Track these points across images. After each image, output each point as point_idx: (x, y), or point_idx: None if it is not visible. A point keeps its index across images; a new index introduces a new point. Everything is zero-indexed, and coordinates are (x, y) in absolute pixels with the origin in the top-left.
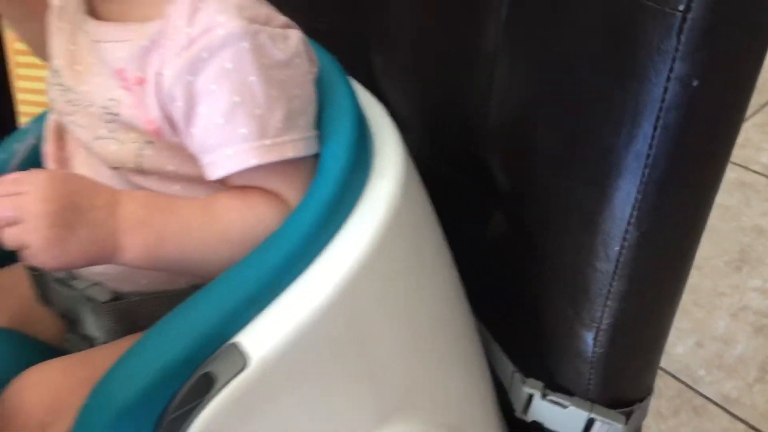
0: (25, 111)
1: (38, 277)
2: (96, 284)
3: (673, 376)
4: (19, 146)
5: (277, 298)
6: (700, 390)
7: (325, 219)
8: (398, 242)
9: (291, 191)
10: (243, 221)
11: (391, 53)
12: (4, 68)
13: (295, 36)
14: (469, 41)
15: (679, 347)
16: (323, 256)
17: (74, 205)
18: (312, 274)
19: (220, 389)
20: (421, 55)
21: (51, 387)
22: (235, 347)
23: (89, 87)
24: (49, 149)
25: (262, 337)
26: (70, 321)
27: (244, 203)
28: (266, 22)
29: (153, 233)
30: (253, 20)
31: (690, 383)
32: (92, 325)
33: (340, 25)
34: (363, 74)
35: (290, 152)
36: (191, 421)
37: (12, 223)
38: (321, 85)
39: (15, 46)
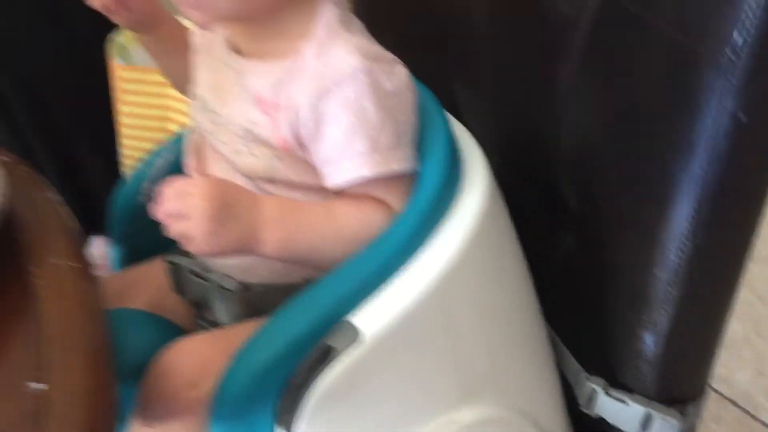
0: (126, 134)
1: (175, 269)
2: (226, 276)
3: (734, 404)
4: (159, 161)
5: (385, 287)
6: (761, 418)
7: (424, 223)
8: (484, 245)
9: (395, 199)
10: (356, 223)
11: (474, 87)
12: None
13: (401, 71)
14: (545, 78)
15: (740, 375)
16: (422, 255)
17: (227, 204)
18: (413, 269)
19: (336, 359)
20: (501, 90)
21: (199, 353)
22: (351, 325)
23: (231, 110)
24: (190, 162)
25: (372, 318)
26: (201, 308)
27: (357, 208)
28: (379, 60)
29: (285, 230)
30: (369, 58)
31: (750, 410)
32: (221, 311)
33: (428, 62)
34: (448, 104)
35: (396, 166)
36: (312, 386)
37: (179, 217)
38: (419, 112)
39: (121, 75)
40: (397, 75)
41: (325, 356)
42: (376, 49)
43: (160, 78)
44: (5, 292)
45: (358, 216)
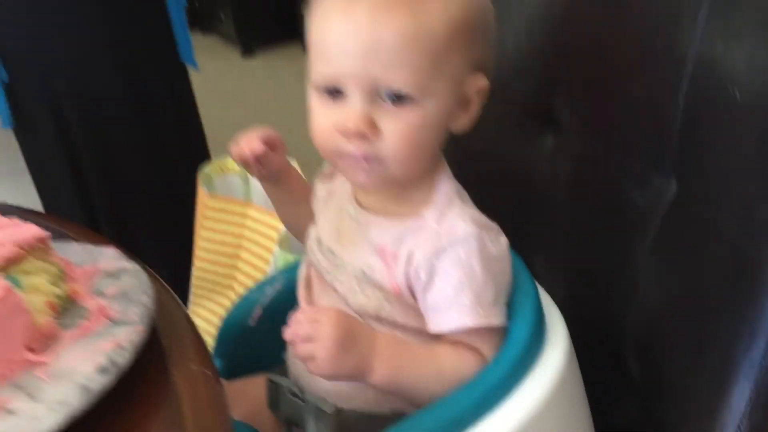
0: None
1: (275, 387)
2: (322, 399)
3: None
4: (269, 288)
5: (473, 426)
6: None
7: (512, 373)
8: (563, 398)
9: (488, 349)
10: (454, 366)
11: (550, 256)
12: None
13: (503, 240)
14: (618, 257)
15: None
16: (509, 399)
17: (350, 334)
18: (500, 411)
19: None
20: (576, 262)
21: None
22: None
23: (351, 255)
24: (301, 293)
25: None
26: (291, 426)
27: (456, 353)
28: (487, 228)
29: (394, 364)
30: (479, 226)
31: None
32: (312, 430)
33: (512, 230)
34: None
35: (494, 320)
36: None
37: (308, 339)
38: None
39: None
40: (501, 243)
41: None
42: (485, 219)
43: (240, 209)
44: (150, 387)
45: (456, 360)
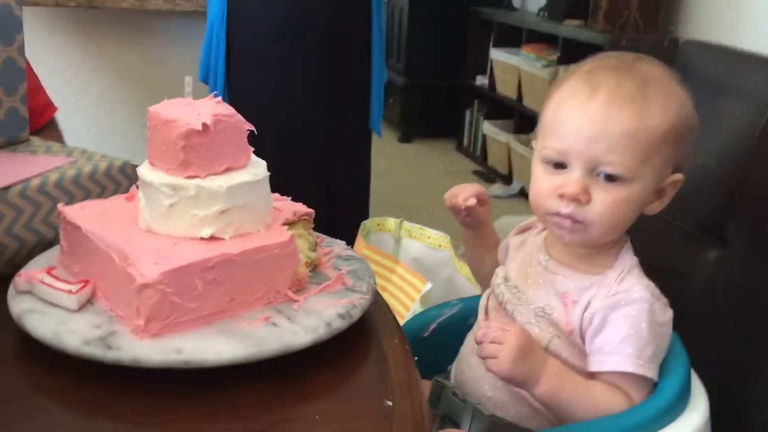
0: None
1: (440, 387)
2: (479, 404)
3: None
4: (447, 309)
5: None
6: None
7: (656, 418)
8: None
9: (638, 397)
10: (607, 401)
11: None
12: None
13: (670, 312)
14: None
15: None
16: None
17: (530, 348)
18: None
19: None
20: (715, 380)
21: None
22: None
23: (534, 294)
24: (481, 316)
25: None
26: (445, 422)
27: (610, 391)
28: (659, 299)
29: (558, 383)
30: (654, 295)
31: None
32: (466, 427)
33: None
34: None
35: (648, 373)
36: None
37: (495, 341)
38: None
39: None
40: (667, 313)
41: None
42: (658, 291)
43: (390, 264)
44: (365, 347)
45: (609, 396)
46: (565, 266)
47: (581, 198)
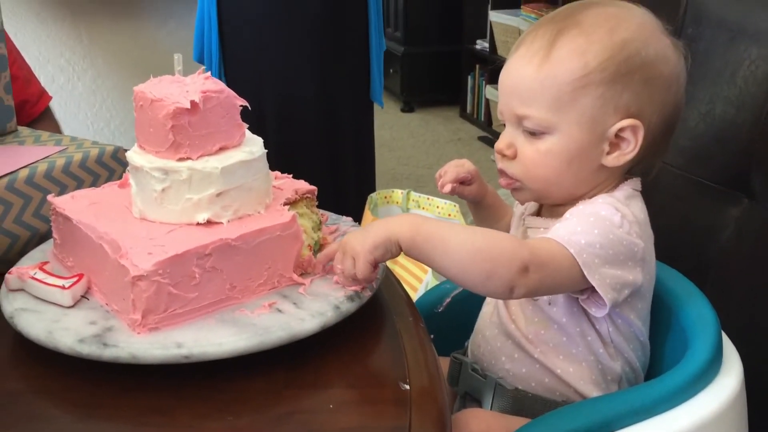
0: None
1: (458, 364)
2: (501, 378)
3: None
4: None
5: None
6: None
7: (685, 388)
8: (730, 416)
9: (532, 246)
10: (491, 236)
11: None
12: None
13: (639, 241)
14: None
15: None
16: (677, 409)
17: (367, 229)
18: (667, 418)
19: None
20: (746, 333)
21: (486, 421)
22: None
23: None
24: None
25: None
26: (465, 398)
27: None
28: (624, 216)
29: (414, 230)
30: (618, 210)
31: None
32: (488, 404)
33: None
34: None
35: (572, 248)
36: None
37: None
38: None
39: None
40: (632, 231)
41: None
42: (632, 216)
43: None
44: (379, 327)
45: (498, 235)
46: (543, 218)
47: (506, 152)
